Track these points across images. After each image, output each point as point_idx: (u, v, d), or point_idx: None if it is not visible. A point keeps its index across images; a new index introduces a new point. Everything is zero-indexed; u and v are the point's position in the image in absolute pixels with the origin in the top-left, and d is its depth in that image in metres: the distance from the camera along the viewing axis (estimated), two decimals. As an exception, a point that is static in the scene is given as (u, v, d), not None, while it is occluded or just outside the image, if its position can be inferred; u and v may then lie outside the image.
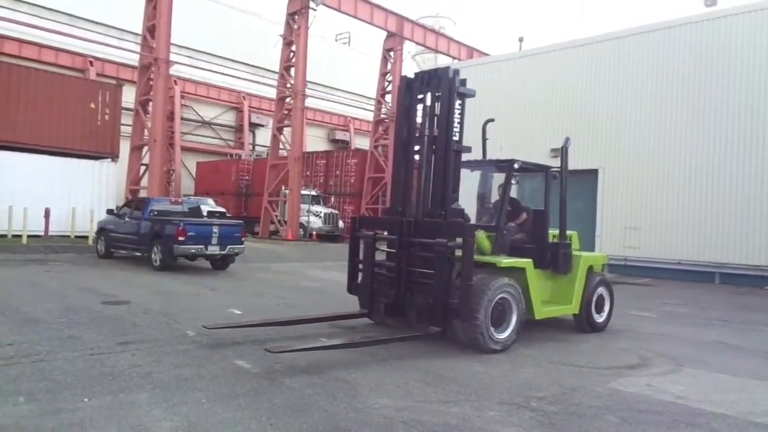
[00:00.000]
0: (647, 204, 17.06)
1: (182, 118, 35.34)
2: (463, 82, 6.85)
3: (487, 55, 30.36)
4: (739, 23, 15.71)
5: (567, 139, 7.90)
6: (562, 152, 7.84)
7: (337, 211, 28.94)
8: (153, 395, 4.44)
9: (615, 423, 4.30)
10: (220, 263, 14.08)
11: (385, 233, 7.24)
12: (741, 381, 5.72)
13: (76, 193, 18.37)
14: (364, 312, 7.34)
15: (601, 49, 18.47)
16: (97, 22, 30.65)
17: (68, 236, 17.93)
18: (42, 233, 17.27)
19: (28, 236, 16.55)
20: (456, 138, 6.75)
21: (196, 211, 15.50)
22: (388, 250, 7.31)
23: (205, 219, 15.71)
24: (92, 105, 19.37)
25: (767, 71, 15.12)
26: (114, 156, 19.95)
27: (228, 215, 24.35)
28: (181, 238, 12.68)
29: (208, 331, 6.53)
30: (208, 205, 23.99)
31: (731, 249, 15.39)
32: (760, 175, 15.10)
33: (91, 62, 31.39)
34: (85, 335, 6.32)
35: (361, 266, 7.51)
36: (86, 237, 17.57)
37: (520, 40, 27.57)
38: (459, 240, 6.32)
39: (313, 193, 28.29)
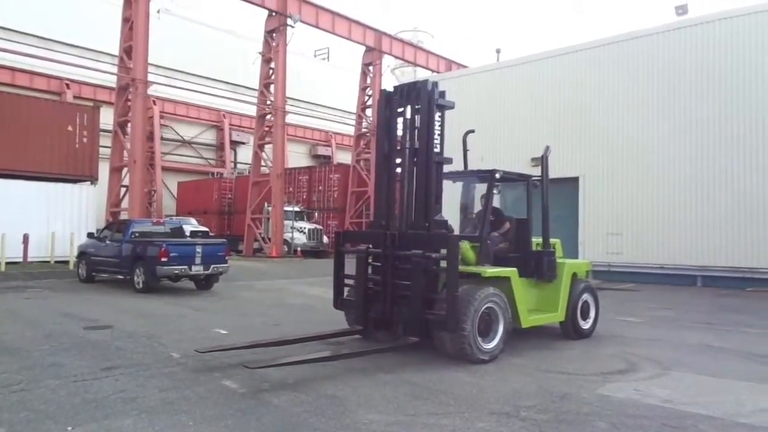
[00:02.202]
0: (628, 210, 17.27)
1: (162, 138, 35.17)
2: (442, 94, 6.90)
3: (465, 67, 30.67)
4: (710, 31, 16.07)
5: (547, 148, 7.99)
6: (543, 161, 7.93)
7: (321, 227, 28.87)
8: (139, 420, 4.36)
9: (604, 429, 4.31)
10: (204, 283, 13.93)
11: (370, 247, 7.22)
12: (726, 382, 5.77)
13: (54, 217, 18.12)
14: (359, 329, 7.25)
15: (578, 58, 18.76)
16: (72, 45, 30.51)
17: (48, 261, 17.66)
18: (21, 259, 16.99)
19: (6, 263, 16.26)
20: (437, 149, 6.78)
21: (178, 232, 15.36)
22: (373, 263, 7.28)
23: (188, 239, 15.57)
24: (69, 128, 19.19)
25: (741, 77, 15.45)
26: (93, 178, 19.75)
27: (211, 234, 24.15)
28: (163, 259, 12.54)
29: (193, 353, 6.44)
30: (191, 225, 23.75)
31: (712, 252, 15.61)
32: (737, 177, 15.37)
33: (67, 85, 31.17)
34: (67, 362, 6.20)
35: (348, 281, 7.50)
36: (67, 262, 17.32)
37: (498, 51, 27.88)
38: (444, 251, 6.34)
39: (297, 209, 28.20)
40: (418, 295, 6.38)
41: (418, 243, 6.57)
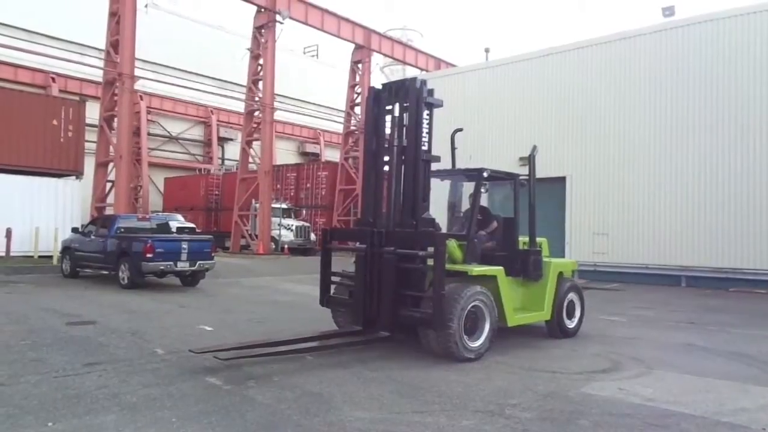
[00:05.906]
0: (614, 210, 17.39)
1: (149, 134, 34.87)
2: (431, 92, 6.89)
3: (454, 66, 30.70)
4: (696, 33, 16.21)
5: (534, 148, 8.03)
6: (530, 160, 7.96)
7: (308, 224, 28.79)
8: (121, 417, 4.32)
9: (588, 427, 4.34)
10: (190, 279, 13.84)
11: (357, 244, 7.19)
12: (708, 381, 5.82)
13: (38, 211, 17.90)
14: (357, 329, 6.98)
15: (566, 58, 18.85)
16: (58, 38, 30.12)
17: (31, 256, 17.43)
18: (3, 254, 16.76)
19: (-11, 257, 16.05)
20: (425, 148, 6.78)
21: (164, 227, 15.24)
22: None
23: (174, 235, 15.45)
24: (55, 122, 18.96)
25: (726, 80, 15.59)
26: (78, 173, 19.53)
27: (198, 231, 23.97)
28: (149, 255, 12.44)
29: (177, 349, 6.40)
30: (177, 221, 23.55)
31: (696, 252, 15.77)
32: (721, 180, 15.53)
33: (53, 78, 30.79)
34: (49, 357, 6.13)
35: (335, 279, 7.47)
36: (50, 257, 17.11)
37: (487, 50, 27.91)
38: (431, 249, 6.34)
39: (284, 206, 28.09)
40: (390, 291, 6.42)
41: (405, 241, 6.57)
